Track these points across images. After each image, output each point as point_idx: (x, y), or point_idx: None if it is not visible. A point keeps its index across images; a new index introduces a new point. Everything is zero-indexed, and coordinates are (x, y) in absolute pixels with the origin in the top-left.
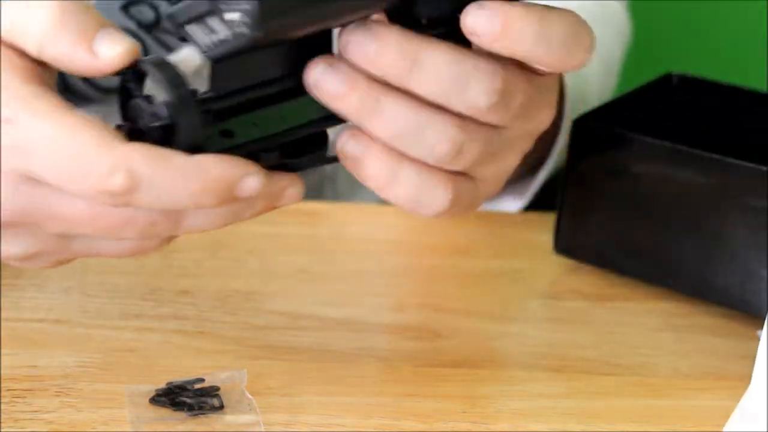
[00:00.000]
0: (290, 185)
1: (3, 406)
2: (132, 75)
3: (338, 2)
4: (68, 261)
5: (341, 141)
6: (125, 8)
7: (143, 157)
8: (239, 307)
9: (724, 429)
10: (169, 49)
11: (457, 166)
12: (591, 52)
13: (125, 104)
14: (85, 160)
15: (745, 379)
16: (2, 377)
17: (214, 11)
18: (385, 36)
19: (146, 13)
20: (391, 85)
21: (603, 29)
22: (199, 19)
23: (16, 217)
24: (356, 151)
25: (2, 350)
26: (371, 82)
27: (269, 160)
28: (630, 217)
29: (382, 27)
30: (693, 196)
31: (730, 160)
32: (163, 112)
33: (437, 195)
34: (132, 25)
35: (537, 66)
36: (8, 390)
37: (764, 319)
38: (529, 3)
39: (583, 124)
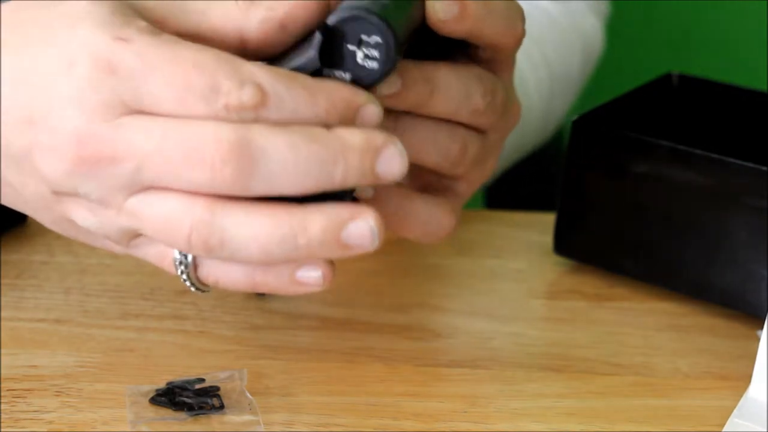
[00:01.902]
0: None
1: (3, 406)
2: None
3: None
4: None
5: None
6: None
7: (271, 73)
8: (239, 307)
9: (724, 429)
10: None
11: (461, 168)
12: (524, 21)
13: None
14: (213, 76)
15: (745, 379)
16: (2, 377)
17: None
18: (405, 72)
19: None
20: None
21: (562, 43)
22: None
23: (90, 151)
24: (369, 194)
25: (2, 350)
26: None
27: None
28: (630, 217)
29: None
30: (693, 196)
31: (730, 160)
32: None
33: (445, 221)
34: None
35: (492, 40)
36: (8, 390)
37: (764, 319)
38: None
39: (583, 124)
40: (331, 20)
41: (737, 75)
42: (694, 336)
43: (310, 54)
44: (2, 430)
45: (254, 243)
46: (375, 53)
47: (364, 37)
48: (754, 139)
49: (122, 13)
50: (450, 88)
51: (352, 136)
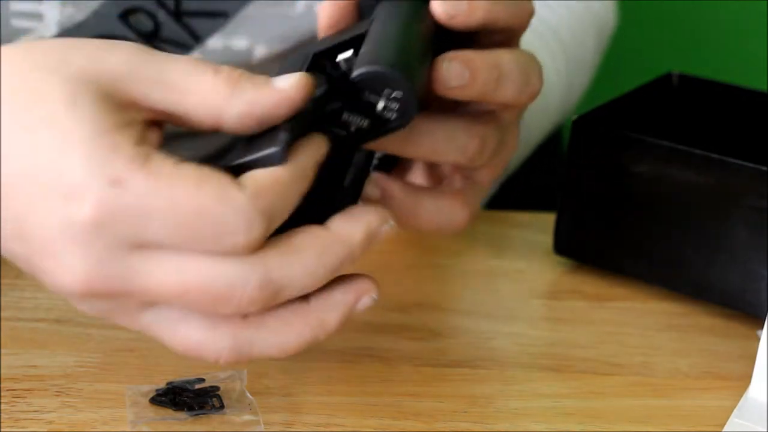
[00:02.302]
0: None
1: (3, 406)
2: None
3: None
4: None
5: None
6: (123, 17)
7: (275, 201)
8: None
9: (724, 429)
10: None
11: (481, 162)
12: (542, 79)
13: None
14: (219, 216)
15: (745, 379)
16: (2, 377)
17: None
18: (470, 62)
19: (145, 23)
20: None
21: (578, 29)
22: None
23: (100, 288)
24: (375, 194)
25: (2, 350)
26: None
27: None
28: (630, 217)
29: (464, 53)
30: (693, 196)
31: (730, 160)
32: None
33: (456, 214)
34: (131, 35)
35: (505, 26)
36: (8, 390)
37: (764, 319)
38: (484, 51)
39: (583, 124)
40: (356, 73)
41: (737, 75)
42: (694, 336)
43: (272, 150)
44: (2, 430)
45: (281, 352)
46: (395, 105)
47: (386, 90)
48: (754, 139)
49: (107, 129)
50: (511, 71)
51: (354, 235)
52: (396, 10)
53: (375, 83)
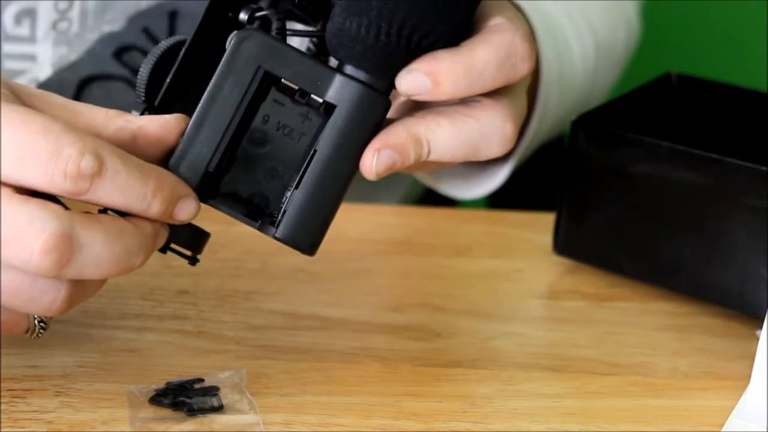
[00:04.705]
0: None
1: (3, 406)
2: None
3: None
4: None
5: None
6: (117, 55)
7: (110, 148)
8: (239, 307)
9: (724, 429)
10: None
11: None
12: (531, 60)
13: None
14: (57, 141)
15: (745, 379)
16: (2, 377)
17: None
18: (434, 71)
19: (139, 60)
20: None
21: (608, 15)
22: None
23: None
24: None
25: (2, 350)
26: None
27: None
28: (630, 217)
29: (430, 61)
30: (693, 196)
31: (730, 160)
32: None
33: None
34: (126, 73)
35: (478, 93)
36: (8, 390)
37: (764, 319)
38: (453, 49)
39: (583, 124)
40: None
41: (737, 75)
42: (693, 336)
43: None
44: (2, 429)
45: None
46: None
47: None
48: (754, 139)
49: None
50: (488, 68)
51: (150, 227)
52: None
53: None
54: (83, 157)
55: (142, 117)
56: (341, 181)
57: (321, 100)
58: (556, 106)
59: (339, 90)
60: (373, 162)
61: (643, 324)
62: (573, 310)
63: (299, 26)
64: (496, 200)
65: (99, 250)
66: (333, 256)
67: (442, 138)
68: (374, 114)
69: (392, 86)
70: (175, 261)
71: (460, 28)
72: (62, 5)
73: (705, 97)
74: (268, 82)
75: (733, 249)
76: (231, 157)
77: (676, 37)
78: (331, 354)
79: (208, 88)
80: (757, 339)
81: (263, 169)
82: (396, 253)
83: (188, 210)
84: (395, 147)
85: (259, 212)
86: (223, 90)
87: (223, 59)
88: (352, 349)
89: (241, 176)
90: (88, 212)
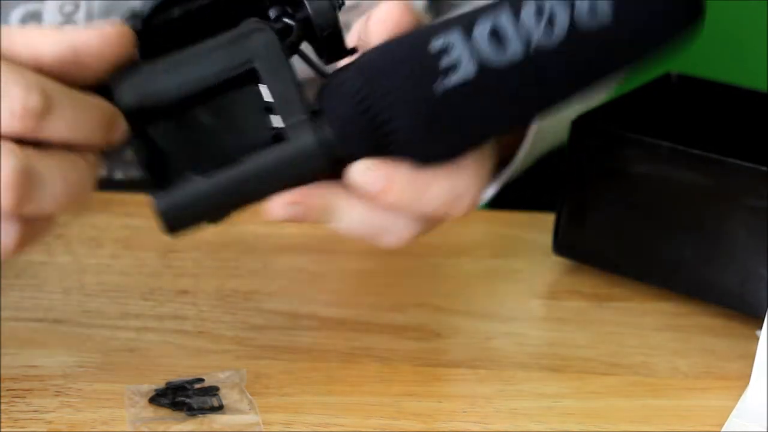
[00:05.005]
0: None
1: (3, 406)
2: None
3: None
4: None
5: None
6: None
7: (54, 83)
8: (239, 307)
9: (724, 429)
10: None
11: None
12: (474, 206)
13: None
14: (1, 81)
15: (745, 379)
16: (2, 377)
17: None
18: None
19: None
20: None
21: None
22: None
23: None
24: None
25: (2, 350)
26: None
27: None
28: (630, 217)
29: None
30: (693, 196)
31: (730, 160)
32: None
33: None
34: None
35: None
36: (8, 390)
37: (764, 319)
38: (416, 172)
39: (583, 124)
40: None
41: (737, 75)
42: (693, 336)
43: None
44: (2, 429)
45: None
46: None
47: None
48: (754, 139)
49: None
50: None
51: (93, 157)
52: None
53: None
54: (30, 95)
55: (82, 30)
56: (242, 201)
57: (278, 126)
58: (550, 127)
59: (299, 130)
60: (280, 210)
61: (642, 324)
62: (573, 310)
63: (309, 50)
64: (496, 200)
65: (56, 184)
66: (333, 256)
67: (349, 220)
68: (311, 170)
69: (342, 160)
70: (175, 261)
71: (444, 155)
72: (68, 8)
73: (705, 97)
74: (252, 79)
75: (733, 249)
76: (170, 111)
77: None
78: (330, 354)
79: (199, 44)
80: (757, 339)
81: (191, 140)
82: (396, 253)
83: (120, 134)
84: (307, 208)
85: (160, 173)
86: (210, 55)
87: (230, 32)
88: (351, 349)
89: (168, 132)
90: (39, 147)
